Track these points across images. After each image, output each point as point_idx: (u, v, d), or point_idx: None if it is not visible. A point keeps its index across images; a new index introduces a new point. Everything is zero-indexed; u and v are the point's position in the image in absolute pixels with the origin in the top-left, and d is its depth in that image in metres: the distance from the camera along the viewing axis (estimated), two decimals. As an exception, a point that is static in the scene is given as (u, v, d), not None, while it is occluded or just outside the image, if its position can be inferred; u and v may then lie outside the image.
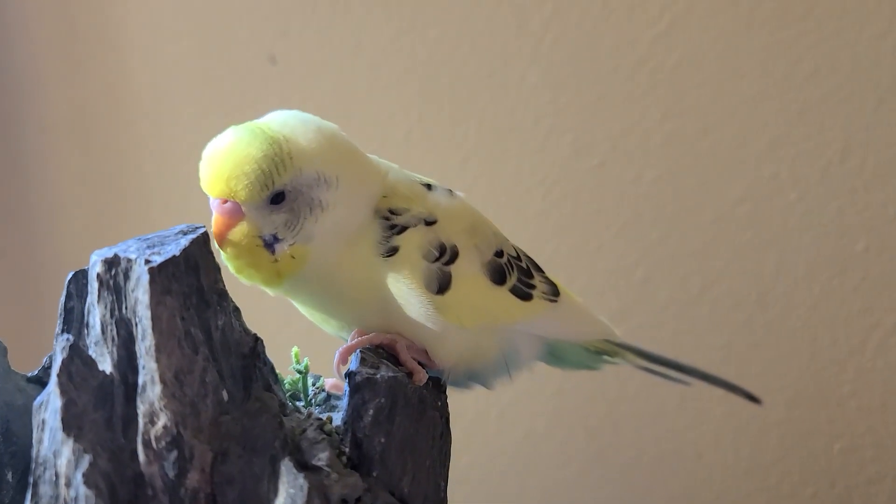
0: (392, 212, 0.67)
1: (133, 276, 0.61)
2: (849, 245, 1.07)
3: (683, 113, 1.08)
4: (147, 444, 0.60)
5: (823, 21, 1.04)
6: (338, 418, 0.66)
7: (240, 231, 0.65)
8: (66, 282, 0.65)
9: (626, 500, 1.14)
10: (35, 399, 0.62)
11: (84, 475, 0.58)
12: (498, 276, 0.70)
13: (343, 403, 0.66)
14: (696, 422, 1.12)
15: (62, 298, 0.65)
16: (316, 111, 0.69)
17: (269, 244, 0.65)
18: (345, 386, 0.66)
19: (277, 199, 0.65)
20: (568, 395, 1.13)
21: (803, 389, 1.10)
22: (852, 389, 1.09)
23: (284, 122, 0.66)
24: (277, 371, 0.69)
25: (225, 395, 0.62)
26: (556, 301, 0.74)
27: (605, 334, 0.78)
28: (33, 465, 0.61)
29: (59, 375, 0.60)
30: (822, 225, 1.07)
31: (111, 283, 0.62)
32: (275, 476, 0.61)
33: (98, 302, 0.62)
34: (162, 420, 0.60)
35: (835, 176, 1.06)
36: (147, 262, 0.61)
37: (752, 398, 0.84)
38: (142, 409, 0.60)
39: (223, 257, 0.66)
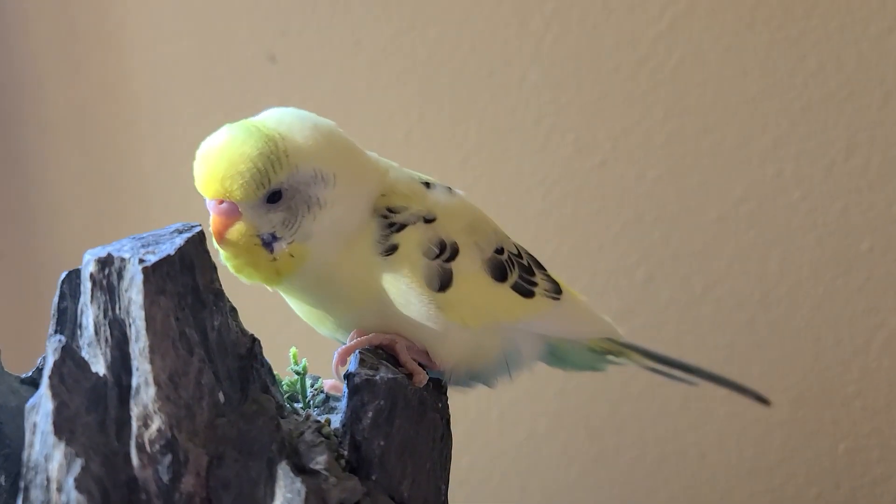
0: (391, 210, 0.67)
1: (127, 275, 0.61)
2: (853, 245, 1.07)
3: (685, 112, 1.07)
4: (141, 447, 0.60)
5: (827, 18, 1.04)
6: (336, 420, 0.65)
7: (237, 230, 0.64)
8: (60, 282, 0.64)
9: (628, 502, 1.14)
10: (28, 401, 0.61)
11: (76, 480, 0.58)
12: (499, 273, 0.70)
13: (342, 405, 0.65)
14: (699, 422, 1.12)
15: (55, 299, 0.64)
16: (315, 110, 0.69)
17: (268, 243, 0.65)
18: (343, 387, 0.65)
19: (274, 197, 0.64)
20: (570, 395, 1.13)
21: (807, 390, 1.10)
22: (857, 390, 1.09)
23: (280, 119, 0.66)
24: (275, 372, 0.68)
25: (221, 397, 0.62)
26: (558, 299, 0.73)
27: (608, 333, 0.77)
28: (24, 470, 0.60)
29: (50, 377, 0.59)
30: (826, 224, 1.07)
31: (104, 282, 0.61)
32: (272, 480, 0.60)
33: (91, 302, 0.61)
34: (156, 423, 0.59)
35: (839, 175, 1.06)
36: (141, 261, 0.60)
37: (761, 399, 0.84)
38: (135, 411, 0.60)
39: (222, 257, 0.66)
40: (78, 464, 0.58)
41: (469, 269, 0.68)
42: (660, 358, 0.80)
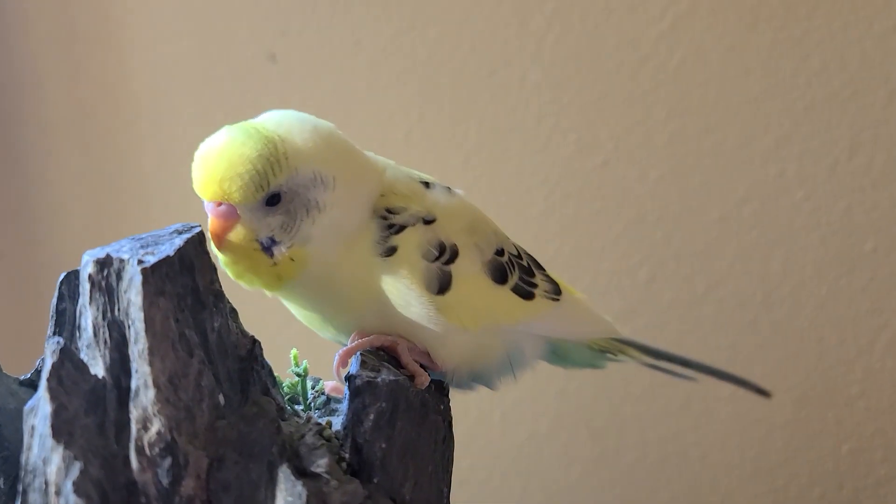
0: (390, 211, 0.66)
1: (126, 276, 0.60)
2: (857, 245, 1.06)
3: (687, 111, 1.07)
4: (140, 450, 0.59)
5: (830, 17, 1.03)
6: (337, 423, 0.65)
7: (236, 234, 0.64)
8: (58, 283, 0.64)
9: (629, 502, 1.14)
10: (27, 403, 0.61)
11: (74, 483, 0.57)
12: (499, 276, 0.69)
13: (343, 407, 0.65)
14: (701, 422, 1.11)
15: (54, 300, 0.64)
16: (316, 111, 0.69)
17: (267, 248, 0.64)
18: (345, 389, 0.65)
19: (273, 200, 0.64)
20: (571, 395, 1.13)
21: (811, 390, 1.09)
22: (861, 390, 1.09)
23: (280, 121, 0.65)
24: (276, 374, 0.68)
25: (221, 399, 0.61)
26: (558, 300, 0.73)
27: (608, 332, 0.77)
28: (22, 473, 0.60)
29: (48, 380, 0.59)
30: (830, 224, 1.06)
31: (103, 284, 0.61)
32: (272, 483, 0.60)
33: (90, 303, 0.61)
34: (156, 426, 0.59)
35: (842, 174, 1.05)
36: (140, 262, 0.60)
37: (761, 391, 0.83)
38: (135, 414, 0.59)
39: (221, 263, 0.65)
40: (77, 467, 0.58)
41: (469, 272, 0.68)
42: (659, 353, 0.80)
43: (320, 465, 0.61)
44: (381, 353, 0.67)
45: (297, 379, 0.70)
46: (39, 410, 0.59)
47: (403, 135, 1.10)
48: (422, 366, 0.67)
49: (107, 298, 0.61)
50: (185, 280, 0.61)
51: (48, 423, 0.58)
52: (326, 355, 0.70)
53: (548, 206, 1.10)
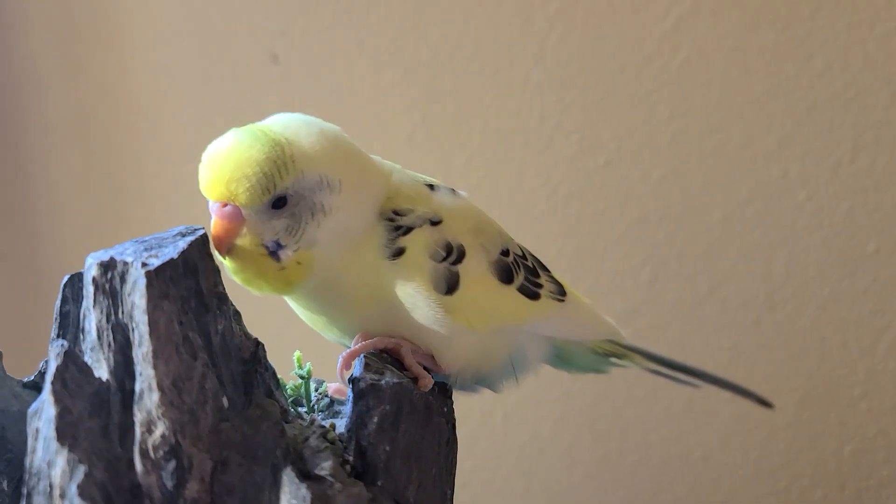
0: (397, 213, 0.66)
1: (130, 279, 0.60)
2: (859, 246, 1.06)
3: (690, 112, 1.07)
4: (144, 453, 0.59)
5: (833, 18, 1.03)
6: (341, 425, 0.65)
7: (241, 240, 0.64)
8: (62, 285, 0.64)
9: (632, 504, 1.14)
10: (30, 405, 0.61)
11: (79, 487, 0.57)
12: (505, 276, 0.70)
13: (346, 410, 0.64)
14: (703, 424, 1.11)
15: (57, 302, 0.64)
16: (318, 111, 0.69)
17: (273, 252, 0.64)
18: (348, 392, 0.64)
19: (279, 203, 0.64)
20: (574, 397, 1.13)
21: (813, 391, 1.09)
22: (863, 391, 1.09)
23: (287, 124, 0.65)
24: (279, 376, 0.67)
25: (225, 401, 0.61)
26: (563, 301, 0.73)
27: (611, 335, 0.77)
28: (27, 476, 0.60)
29: (53, 383, 0.58)
30: (832, 225, 1.06)
31: (107, 286, 0.60)
32: (276, 486, 0.60)
33: (94, 306, 0.61)
34: (160, 429, 0.59)
35: (845, 175, 1.05)
36: (144, 265, 0.60)
37: (764, 402, 0.83)
38: (139, 417, 0.59)
39: (228, 271, 0.65)
40: (81, 470, 0.58)
41: (476, 272, 0.68)
42: (662, 360, 0.80)
43: (324, 467, 0.61)
44: (385, 356, 0.67)
45: (300, 381, 0.70)
46: (43, 413, 0.59)
47: (406, 135, 1.10)
48: (425, 368, 0.67)
49: (110, 301, 0.60)
50: (188, 283, 0.61)
51: (52, 426, 0.58)
52: (330, 357, 0.70)
53: (550, 207, 1.10)
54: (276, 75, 1.12)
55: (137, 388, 0.59)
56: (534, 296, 0.71)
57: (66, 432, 0.58)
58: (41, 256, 1.20)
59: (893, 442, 1.09)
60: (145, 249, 0.61)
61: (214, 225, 0.64)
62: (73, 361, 0.59)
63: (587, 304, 0.77)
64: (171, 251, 0.61)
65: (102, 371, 0.60)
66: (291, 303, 0.70)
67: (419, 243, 0.66)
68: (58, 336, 0.63)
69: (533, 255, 0.74)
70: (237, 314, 0.65)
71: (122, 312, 0.60)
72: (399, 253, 0.66)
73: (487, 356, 0.70)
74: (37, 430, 0.60)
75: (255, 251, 0.64)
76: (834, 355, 1.09)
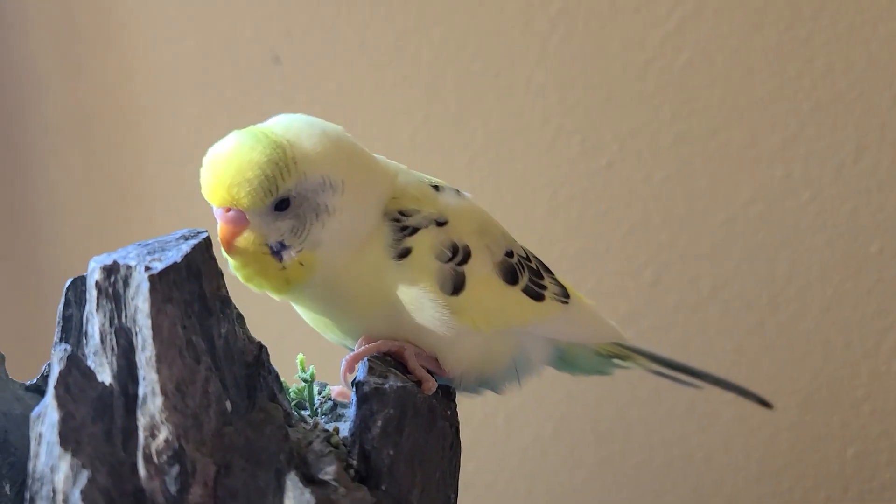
0: (402, 213, 0.66)
1: (133, 283, 0.60)
2: (862, 247, 1.06)
3: (693, 112, 1.07)
4: (148, 458, 0.59)
5: (836, 19, 1.03)
6: (345, 429, 0.64)
7: (245, 239, 0.63)
8: (65, 289, 0.64)
9: (635, 506, 1.14)
10: (33, 409, 0.61)
11: (82, 492, 0.57)
12: (510, 277, 0.69)
13: (350, 413, 0.64)
14: (705, 426, 1.11)
15: (60, 306, 0.63)
16: (320, 112, 0.68)
17: (276, 252, 0.64)
18: (352, 395, 0.64)
19: (282, 205, 0.63)
20: (576, 399, 1.13)
21: (816, 392, 1.09)
22: (866, 393, 1.08)
23: (288, 125, 0.65)
24: (282, 379, 0.67)
25: (228, 405, 0.61)
26: (566, 302, 0.73)
27: (614, 337, 0.77)
28: (30, 481, 0.59)
29: (56, 387, 0.58)
30: (836, 226, 1.06)
31: (110, 290, 0.60)
32: (280, 490, 0.60)
33: (97, 310, 0.60)
34: (163, 433, 0.59)
35: (848, 176, 1.05)
36: (147, 268, 0.59)
37: (764, 403, 0.83)
38: (142, 421, 0.59)
39: (231, 266, 0.65)
40: (84, 475, 0.57)
41: (481, 273, 0.68)
42: (665, 361, 0.80)
43: (328, 472, 0.60)
44: (388, 359, 0.67)
45: (303, 384, 0.69)
46: (47, 418, 0.59)
47: (408, 136, 1.10)
48: (429, 371, 0.67)
49: (114, 305, 0.60)
50: (192, 286, 0.61)
51: (56, 431, 0.58)
52: (333, 360, 0.70)
53: (552, 208, 1.10)
54: (279, 76, 1.12)
55: (141, 392, 0.59)
56: (538, 297, 0.71)
57: (69, 437, 0.58)
58: (41, 257, 1.19)
59: (897, 443, 1.09)
60: (148, 253, 0.61)
61: (220, 230, 0.64)
62: (76, 366, 0.59)
63: (590, 306, 0.77)
64: (175, 255, 0.61)
65: (106, 375, 0.60)
66: (295, 305, 0.69)
67: (425, 244, 0.66)
68: (61, 340, 0.63)
69: (536, 257, 0.74)
70: (240, 317, 0.65)
71: (126, 316, 0.60)
72: (405, 253, 0.65)
73: (491, 358, 0.70)
74: (40, 435, 0.59)
75: (258, 250, 0.64)
76: (837, 356, 1.08)
